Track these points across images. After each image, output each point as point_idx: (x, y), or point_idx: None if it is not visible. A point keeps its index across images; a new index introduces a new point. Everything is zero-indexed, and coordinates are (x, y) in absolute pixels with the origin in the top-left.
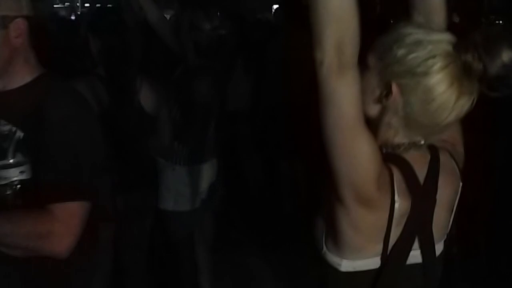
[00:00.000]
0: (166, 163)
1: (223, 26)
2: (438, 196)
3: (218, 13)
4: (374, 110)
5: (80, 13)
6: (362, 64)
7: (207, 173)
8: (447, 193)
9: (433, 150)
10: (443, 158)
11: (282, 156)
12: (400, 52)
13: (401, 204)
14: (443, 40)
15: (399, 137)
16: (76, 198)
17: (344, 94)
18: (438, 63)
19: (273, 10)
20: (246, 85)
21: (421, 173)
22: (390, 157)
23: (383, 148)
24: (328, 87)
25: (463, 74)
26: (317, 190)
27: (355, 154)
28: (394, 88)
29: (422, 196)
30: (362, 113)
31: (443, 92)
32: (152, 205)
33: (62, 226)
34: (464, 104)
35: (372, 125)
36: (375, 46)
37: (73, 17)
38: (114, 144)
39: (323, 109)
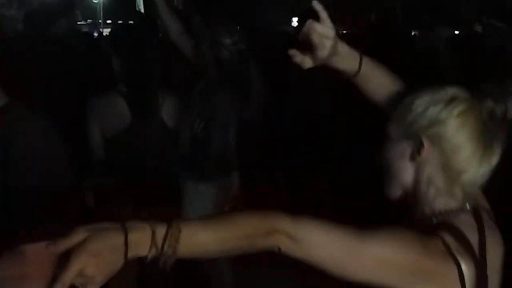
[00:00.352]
0: (188, 177)
1: (243, 40)
2: (488, 259)
3: (238, 27)
4: (410, 171)
5: (102, 30)
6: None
7: (230, 186)
8: (496, 255)
9: (476, 212)
10: (484, 217)
11: (306, 169)
12: (420, 107)
13: (466, 268)
14: (458, 89)
15: (442, 200)
16: None
17: (321, 253)
18: (458, 107)
19: (293, 23)
20: (267, 98)
21: (472, 240)
22: (437, 226)
23: (433, 219)
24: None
25: (487, 119)
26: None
27: (389, 265)
28: (425, 140)
29: (478, 259)
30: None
31: (471, 136)
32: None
33: None
34: (495, 149)
35: (413, 192)
36: (393, 115)
37: (95, 34)
38: (137, 160)
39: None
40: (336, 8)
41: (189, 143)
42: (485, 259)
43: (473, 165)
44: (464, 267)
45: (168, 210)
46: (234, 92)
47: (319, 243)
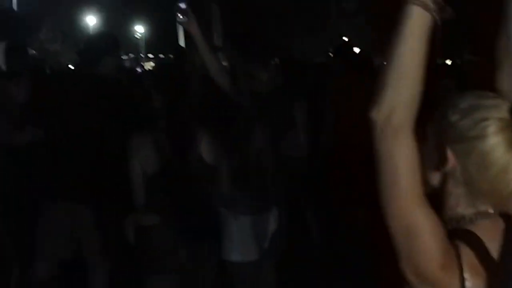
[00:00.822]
0: (228, 213)
1: (279, 75)
2: None
3: (275, 59)
4: (435, 179)
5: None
6: (423, 131)
7: (269, 222)
8: None
9: (508, 219)
10: None
11: (344, 204)
12: (454, 117)
13: (473, 284)
14: (498, 105)
15: (463, 207)
16: None
17: (398, 156)
18: (491, 127)
19: (330, 54)
20: (304, 131)
21: (494, 245)
22: (456, 232)
23: (448, 225)
24: (382, 148)
25: None
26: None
27: (413, 230)
28: (449, 154)
29: (499, 271)
30: (420, 185)
31: (500, 157)
32: (215, 256)
33: None
34: None
35: (437, 198)
36: (434, 115)
37: (138, 69)
38: (177, 195)
39: (378, 173)
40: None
41: (228, 178)
42: (508, 264)
43: (500, 185)
44: (469, 283)
45: (207, 245)
46: (272, 126)
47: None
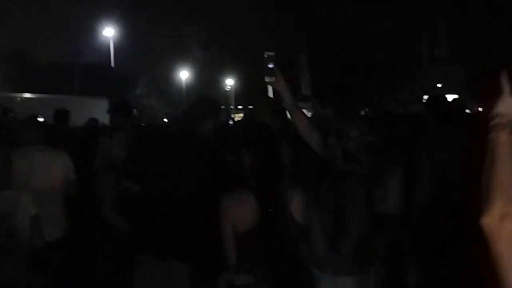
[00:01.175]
0: (322, 274)
1: (371, 130)
2: None
3: (367, 109)
4: None
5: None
6: None
7: (365, 282)
8: None
9: None
10: None
11: (444, 261)
12: None
13: None
14: None
15: None
16: None
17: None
18: None
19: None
20: (399, 186)
21: None
22: None
23: None
24: (499, 248)
25: None
26: None
27: None
28: None
29: None
30: None
31: None
32: None
33: None
34: None
35: None
36: None
37: (231, 122)
38: (269, 255)
39: (497, 270)
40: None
41: (321, 238)
42: None
43: None
44: None
45: None
46: (365, 183)
47: None
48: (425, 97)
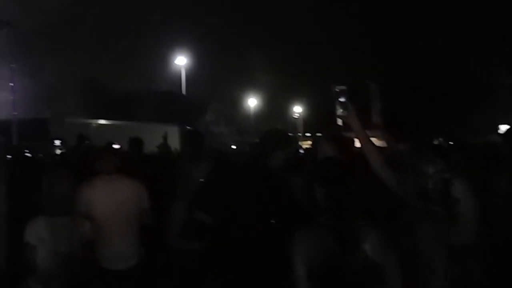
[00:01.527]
0: None
1: (446, 162)
2: None
3: (440, 139)
4: None
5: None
6: None
7: None
8: None
9: None
10: None
11: None
12: None
13: None
14: None
15: None
16: None
17: None
18: None
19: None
20: (474, 218)
21: None
22: None
23: None
24: None
25: None
26: None
27: None
28: None
29: None
30: None
31: None
32: None
33: None
34: None
35: None
36: None
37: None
38: None
39: None
40: None
41: (397, 277)
42: None
43: None
44: None
45: None
46: (440, 223)
47: None
48: (502, 127)
